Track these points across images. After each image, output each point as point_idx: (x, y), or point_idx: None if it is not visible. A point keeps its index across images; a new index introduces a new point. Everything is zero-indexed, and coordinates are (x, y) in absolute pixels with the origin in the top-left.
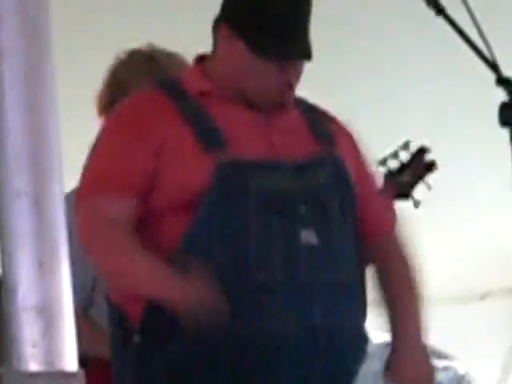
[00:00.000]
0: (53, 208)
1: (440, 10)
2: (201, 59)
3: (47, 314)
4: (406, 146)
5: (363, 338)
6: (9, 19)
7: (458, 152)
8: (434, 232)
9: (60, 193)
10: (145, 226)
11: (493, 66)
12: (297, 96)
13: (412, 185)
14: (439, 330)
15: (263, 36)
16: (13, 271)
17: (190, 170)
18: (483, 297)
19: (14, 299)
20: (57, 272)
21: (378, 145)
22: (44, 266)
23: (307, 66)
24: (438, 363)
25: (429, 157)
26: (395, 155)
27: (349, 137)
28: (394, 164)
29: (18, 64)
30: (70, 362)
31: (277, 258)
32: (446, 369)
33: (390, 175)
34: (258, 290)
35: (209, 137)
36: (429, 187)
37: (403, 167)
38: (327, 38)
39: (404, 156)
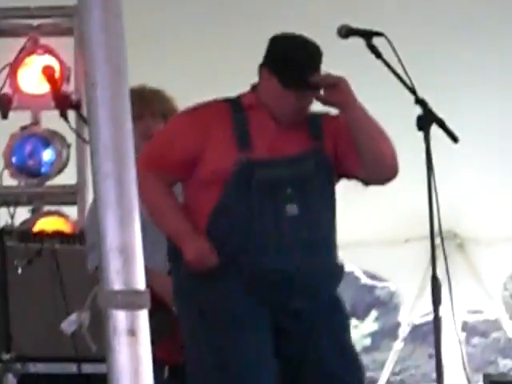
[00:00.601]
0: (129, 185)
1: (379, 55)
2: (254, 87)
3: (126, 253)
4: None
5: (333, 272)
6: (98, 56)
7: None
8: (372, 198)
9: (134, 174)
10: (190, 194)
11: (413, 91)
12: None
13: None
14: (377, 264)
15: (289, 76)
16: (104, 225)
17: (226, 158)
18: (406, 241)
19: (104, 243)
20: (131, 226)
21: None
22: (124, 223)
23: None
24: (378, 284)
25: None
26: None
27: (335, 119)
28: None
29: (105, 88)
30: (140, 283)
31: (269, 224)
32: (383, 288)
33: None
34: (258, 246)
35: (243, 139)
36: None
37: None
38: None
39: None
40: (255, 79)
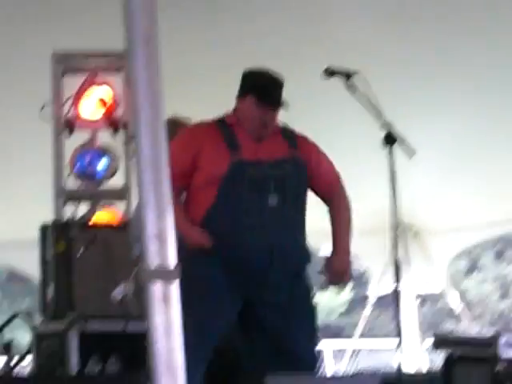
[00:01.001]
0: (164, 189)
1: (353, 91)
2: (234, 110)
3: (161, 239)
4: None
5: (303, 252)
6: (141, 88)
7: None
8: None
9: (167, 181)
10: (190, 196)
11: (380, 115)
12: (281, 126)
13: None
14: (352, 248)
15: (265, 96)
16: (145, 218)
17: (221, 164)
18: (374, 230)
19: (145, 231)
20: (165, 219)
21: None
22: (160, 216)
23: None
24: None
25: None
26: None
27: (312, 145)
28: None
29: (146, 112)
30: (172, 262)
31: (255, 211)
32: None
33: None
34: (245, 227)
35: (232, 147)
36: None
37: None
38: None
39: None
40: None
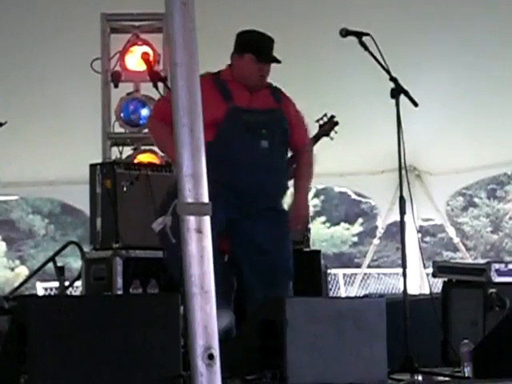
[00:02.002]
0: (198, 132)
1: (366, 48)
2: (229, 65)
3: (195, 177)
4: (325, 115)
5: (284, 189)
6: (178, 46)
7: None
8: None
9: (201, 124)
10: None
11: (387, 71)
12: (268, 82)
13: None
14: (363, 186)
15: (261, 52)
16: (181, 159)
17: (216, 109)
18: (382, 171)
19: (181, 170)
20: (199, 160)
21: None
22: (194, 157)
23: None
24: (363, 200)
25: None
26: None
27: (293, 104)
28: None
29: (182, 67)
30: (205, 198)
31: (249, 152)
32: (366, 203)
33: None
34: (241, 164)
35: (226, 96)
36: (331, 138)
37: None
38: None
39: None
40: None
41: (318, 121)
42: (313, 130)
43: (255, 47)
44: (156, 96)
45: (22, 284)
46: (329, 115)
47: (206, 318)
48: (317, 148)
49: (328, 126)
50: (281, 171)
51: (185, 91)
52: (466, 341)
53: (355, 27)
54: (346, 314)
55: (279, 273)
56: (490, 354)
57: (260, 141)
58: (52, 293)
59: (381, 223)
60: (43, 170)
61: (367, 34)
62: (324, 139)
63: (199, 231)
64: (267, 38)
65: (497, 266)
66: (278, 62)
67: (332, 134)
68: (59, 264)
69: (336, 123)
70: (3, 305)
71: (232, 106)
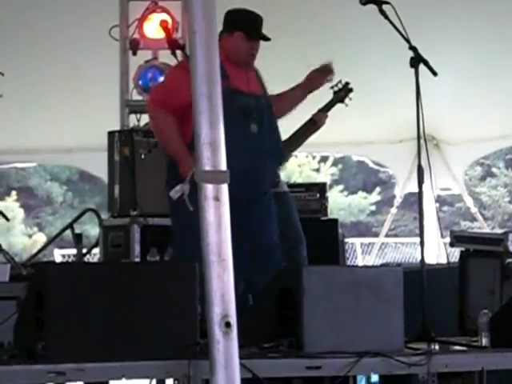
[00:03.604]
0: (216, 100)
1: (386, 16)
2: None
3: (213, 145)
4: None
5: (275, 173)
6: (197, 14)
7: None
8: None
9: (219, 92)
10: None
11: (407, 40)
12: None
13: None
14: (381, 155)
15: (251, 30)
16: (199, 127)
17: None
18: (401, 141)
19: (199, 139)
20: (217, 128)
21: None
22: (212, 125)
23: None
24: (381, 169)
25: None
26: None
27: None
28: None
29: (201, 35)
30: (223, 166)
31: (240, 134)
32: (384, 172)
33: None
34: (233, 150)
35: (222, 75)
36: (346, 105)
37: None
38: None
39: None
40: None
41: (332, 87)
42: (328, 96)
43: (245, 25)
44: (174, 64)
45: (39, 251)
46: (343, 82)
47: (223, 286)
48: (335, 117)
49: (343, 93)
50: (270, 156)
51: (203, 59)
52: (484, 311)
53: None
54: (363, 282)
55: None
56: (507, 323)
57: (250, 125)
58: (70, 260)
59: (399, 192)
60: (61, 137)
61: (387, 3)
62: (339, 106)
63: (217, 199)
64: (256, 15)
65: None
66: (268, 39)
67: (347, 100)
68: (77, 231)
69: (351, 90)
70: (21, 271)
71: (226, 85)
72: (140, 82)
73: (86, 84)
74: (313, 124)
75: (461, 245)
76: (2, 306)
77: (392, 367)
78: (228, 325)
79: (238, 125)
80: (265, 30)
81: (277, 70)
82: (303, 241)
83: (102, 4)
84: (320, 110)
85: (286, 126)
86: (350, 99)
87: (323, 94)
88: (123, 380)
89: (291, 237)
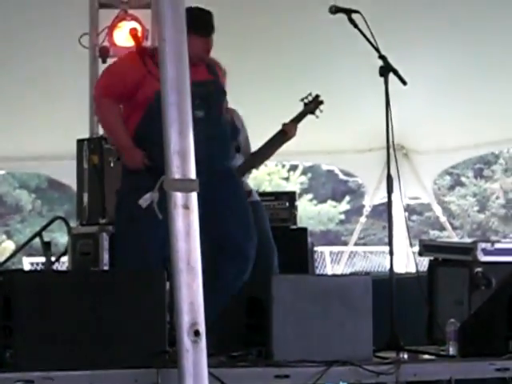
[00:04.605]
0: (186, 109)
1: (355, 25)
2: None
3: (182, 154)
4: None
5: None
6: (167, 22)
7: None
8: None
9: (189, 101)
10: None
11: (377, 49)
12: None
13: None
14: (350, 165)
15: (200, 27)
16: (168, 136)
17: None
18: (370, 149)
19: (169, 148)
20: (187, 137)
21: None
22: (182, 135)
23: None
24: (350, 178)
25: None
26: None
27: (224, 72)
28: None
29: (170, 43)
30: (192, 175)
31: None
32: (353, 181)
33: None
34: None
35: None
36: (317, 116)
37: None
38: None
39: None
40: None
41: (302, 99)
42: (298, 107)
43: (196, 24)
44: None
45: (8, 259)
46: (314, 94)
47: (193, 294)
48: (305, 126)
49: (313, 105)
50: (219, 138)
51: (173, 68)
52: (451, 320)
53: (345, 4)
54: (332, 291)
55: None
56: (474, 332)
57: (194, 111)
58: (38, 268)
59: (368, 201)
60: (30, 144)
61: (357, 12)
62: (310, 117)
63: (186, 207)
64: (205, 11)
65: (483, 245)
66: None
67: (317, 112)
68: (46, 239)
69: (321, 102)
70: None
71: None
72: None
73: (56, 91)
74: (283, 135)
75: (430, 254)
76: None
77: (361, 376)
78: (197, 333)
79: None
80: (235, 37)
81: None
82: (275, 251)
83: (72, 12)
84: (291, 121)
85: (256, 137)
86: (321, 111)
87: (294, 105)
88: None
89: (264, 247)
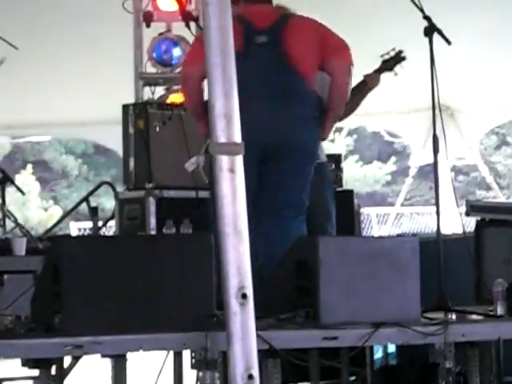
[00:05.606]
0: (231, 71)
1: None
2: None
3: (228, 117)
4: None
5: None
6: None
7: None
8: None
9: (233, 63)
10: None
11: (421, 10)
12: None
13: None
14: (395, 126)
15: None
16: (213, 98)
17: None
18: (416, 110)
19: (214, 110)
20: (232, 99)
21: None
22: (227, 96)
23: None
24: (396, 140)
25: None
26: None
27: None
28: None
29: (214, 6)
30: (237, 137)
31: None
32: (399, 142)
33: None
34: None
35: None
36: (396, 74)
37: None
38: None
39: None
40: None
41: (382, 55)
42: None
43: None
44: (188, 36)
45: (55, 224)
46: (397, 50)
47: (240, 257)
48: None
49: (392, 62)
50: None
51: (217, 30)
52: (499, 280)
53: None
54: (379, 253)
55: None
56: None
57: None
58: (85, 233)
59: (414, 162)
60: (76, 110)
61: None
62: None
63: (232, 171)
64: None
65: None
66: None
67: (398, 69)
68: (93, 204)
69: (403, 58)
70: (37, 245)
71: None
72: (154, 55)
73: (100, 57)
74: (364, 85)
75: (476, 214)
76: (18, 280)
77: (409, 337)
78: (244, 296)
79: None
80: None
81: None
82: (330, 215)
83: None
84: (374, 72)
85: None
86: (402, 67)
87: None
88: (140, 352)
89: (321, 213)
